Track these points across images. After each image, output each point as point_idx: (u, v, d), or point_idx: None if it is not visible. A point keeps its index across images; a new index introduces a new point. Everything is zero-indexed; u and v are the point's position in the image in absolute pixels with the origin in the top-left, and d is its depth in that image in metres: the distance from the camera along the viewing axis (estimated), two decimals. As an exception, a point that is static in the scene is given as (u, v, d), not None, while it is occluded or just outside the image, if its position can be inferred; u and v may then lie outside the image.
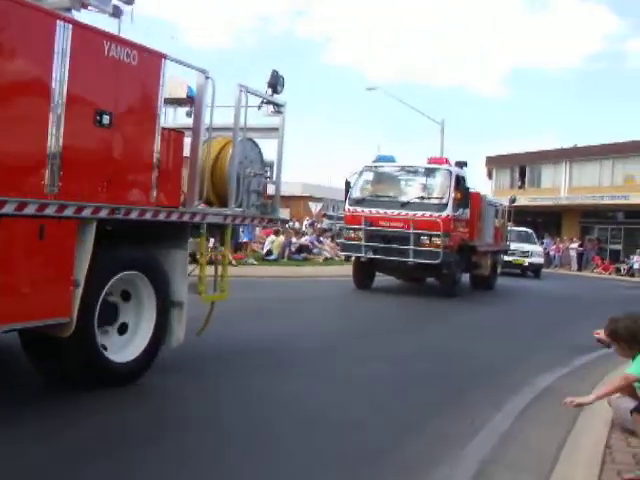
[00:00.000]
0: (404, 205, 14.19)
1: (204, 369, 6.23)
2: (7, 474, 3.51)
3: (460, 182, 14.43)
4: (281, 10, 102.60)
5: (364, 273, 15.33)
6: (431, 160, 15.02)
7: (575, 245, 34.58)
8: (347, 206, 15.11)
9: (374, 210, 14.52)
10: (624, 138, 36.27)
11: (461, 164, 15.52)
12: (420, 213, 13.97)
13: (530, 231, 28.92)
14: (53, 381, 5.19)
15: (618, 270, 32.66)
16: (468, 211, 15.08)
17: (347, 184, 15.37)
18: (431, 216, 13.80)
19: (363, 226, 14.55)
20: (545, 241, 34.49)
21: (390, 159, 15.37)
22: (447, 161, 14.85)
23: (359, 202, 14.85)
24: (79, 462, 3.76)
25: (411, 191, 14.74)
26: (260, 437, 4.52)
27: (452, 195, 14.07)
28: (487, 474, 4.10)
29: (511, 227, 29.92)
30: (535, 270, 26.06)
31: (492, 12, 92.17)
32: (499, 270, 18.58)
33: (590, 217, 39.11)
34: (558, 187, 40.51)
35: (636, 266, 31.60)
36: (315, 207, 36.30)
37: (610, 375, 6.42)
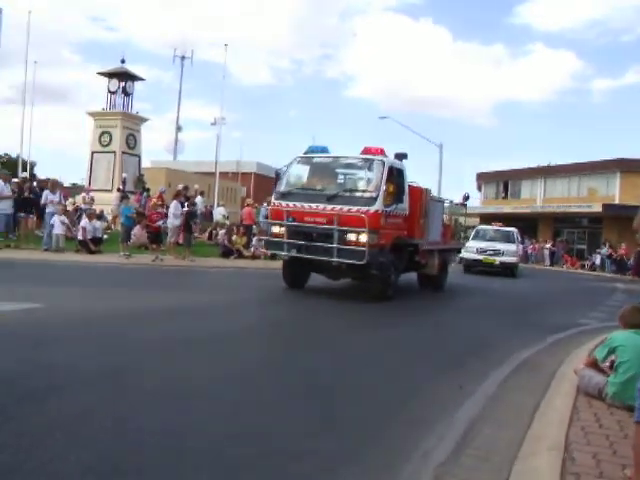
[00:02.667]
0: (330, 199, 12.15)
1: None
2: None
3: (394, 174, 12.39)
4: (312, 55, 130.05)
5: (294, 271, 13.35)
6: (366, 150, 12.99)
7: (548, 245, 39.79)
8: (272, 200, 13.11)
9: (299, 204, 12.51)
10: (588, 158, 44.39)
11: (401, 156, 13.47)
12: (346, 208, 11.97)
13: (513, 230, 26.91)
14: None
15: (583, 266, 38.20)
16: (406, 206, 13.08)
17: (277, 175, 13.39)
18: (358, 211, 11.79)
19: (285, 221, 12.59)
20: (525, 242, 37.40)
21: (323, 150, 13.32)
22: (383, 152, 12.81)
23: (285, 195, 12.84)
24: None
25: (340, 184, 12.73)
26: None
27: (383, 188, 12.05)
28: (475, 430, 4.73)
29: (486, 226, 28.26)
30: (507, 269, 23.93)
31: (483, 57, 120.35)
32: (451, 268, 16.48)
33: (561, 222, 45.51)
34: (535, 198, 48.31)
35: (597, 262, 37.23)
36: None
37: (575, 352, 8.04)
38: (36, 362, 5.51)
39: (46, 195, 17.49)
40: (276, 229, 12.76)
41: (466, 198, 16.77)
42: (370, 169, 12.58)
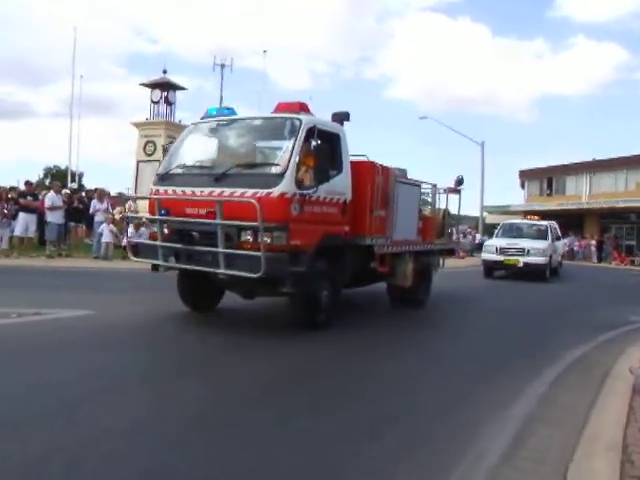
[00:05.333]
0: (219, 179, 7.69)
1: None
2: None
3: (319, 140, 7.76)
4: (351, 58, 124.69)
5: (194, 287, 8.88)
6: (280, 107, 8.40)
7: (594, 242, 36.17)
8: (151, 186, 8.67)
9: (179, 190, 8.08)
10: (635, 152, 39.56)
11: (339, 116, 8.82)
12: (239, 191, 7.46)
13: (547, 224, 21.52)
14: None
15: (632, 262, 34.62)
16: (345, 188, 8.43)
17: (164, 152, 8.98)
18: (253, 195, 7.25)
19: (157, 216, 8.16)
20: (569, 238, 33.80)
21: (230, 113, 8.78)
22: (304, 108, 8.19)
23: (164, 178, 8.41)
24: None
25: (236, 157, 8.16)
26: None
27: (296, 160, 7.47)
28: (529, 430, 4.57)
29: (516, 221, 23.02)
30: (534, 272, 18.66)
31: (523, 52, 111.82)
32: (435, 277, 11.56)
33: (608, 218, 41.13)
34: (580, 194, 44.89)
35: (647, 258, 33.85)
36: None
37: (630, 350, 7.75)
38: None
39: (94, 204, 17.49)
40: (154, 227, 8.37)
41: (459, 182, 11.90)
42: (279, 134, 8.00)
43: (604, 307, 13.44)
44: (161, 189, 8.27)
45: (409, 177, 10.67)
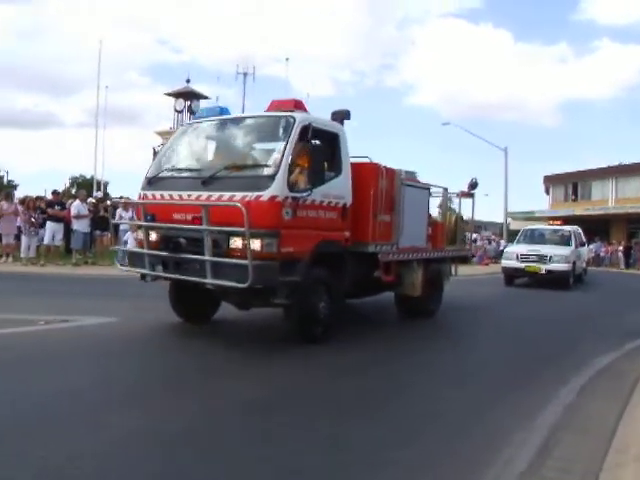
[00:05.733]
0: (207, 182, 7.13)
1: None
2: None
3: (309, 137, 7.11)
4: (372, 65, 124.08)
5: (187, 297, 8.31)
6: (273, 105, 7.81)
7: (621, 247, 34.89)
8: (140, 190, 8.14)
9: (166, 194, 7.54)
10: None
11: (339, 115, 8.21)
12: (227, 194, 6.89)
13: (570, 230, 20.54)
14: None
15: None
16: (345, 191, 7.81)
17: (154, 155, 8.44)
18: (242, 199, 6.68)
19: (143, 222, 7.63)
20: (594, 244, 32.96)
21: (223, 112, 8.23)
22: (299, 105, 7.59)
23: (152, 183, 7.87)
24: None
25: (226, 159, 7.56)
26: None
27: (289, 160, 6.87)
28: (556, 438, 4.44)
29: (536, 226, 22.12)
30: (557, 280, 17.75)
31: (546, 57, 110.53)
32: (446, 286, 10.81)
33: (635, 223, 40.04)
34: (606, 199, 44.00)
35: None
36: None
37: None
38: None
39: (119, 213, 16.62)
40: (140, 234, 7.83)
41: (473, 185, 11.16)
42: (271, 133, 7.42)
43: (631, 314, 12.77)
44: (149, 194, 7.74)
45: (419, 180, 9.99)
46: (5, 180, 55.04)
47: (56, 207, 16.67)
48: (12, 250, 16.82)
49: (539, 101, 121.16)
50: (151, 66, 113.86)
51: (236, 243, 6.78)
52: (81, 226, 16.18)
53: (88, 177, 47.48)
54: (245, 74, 62.10)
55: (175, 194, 7.37)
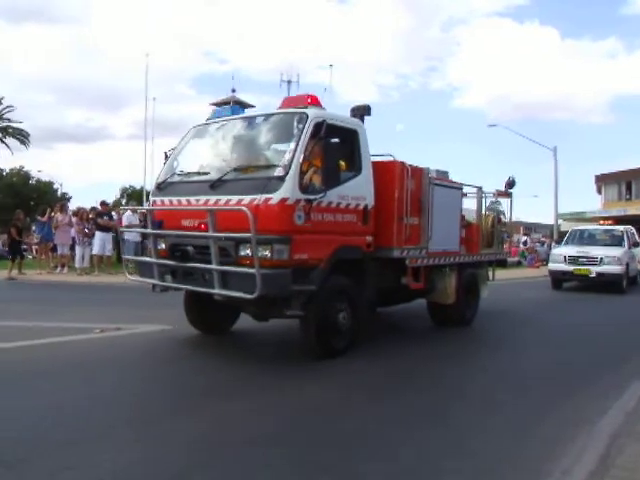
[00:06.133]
0: (215, 186, 6.63)
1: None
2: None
3: (330, 137, 6.54)
4: (417, 68, 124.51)
5: (203, 307, 7.84)
6: (285, 102, 7.26)
7: None
8: (150, 197, 7.70)
9: (175, 200, 7.09)
10: None
11: (359, 110, 7.61)
12: (235, 198, 6.37)
13: (624, 230, 19.07)
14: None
15: None
16: (366, 192, 7.18)
17: (165, 159, 8.00)
18: (251, 202, 6.16)
19: (150, 230, 7.19)
20: None
21: (235, 112, 7.69)
22: (314, 101, 7.01)
23: (161, 188, 7.44)
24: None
25: (235, 160, 7.03)
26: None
27: (300, 160, 6.31)
28: (617, 447, 4.18)
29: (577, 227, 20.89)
30: (609, 283, 16.60)
31: (595, 53, 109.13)
32: (485, 292, 10.06)
33: None
34: None
35: None
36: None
37: None
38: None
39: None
40: (149, 243, 7.40)
41: (510, 184, 10.33)
42: (283, 131, 6.86)
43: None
44: (158, 200, 7.31)
45: (451, 180, 9.27)
46: (59, 192, 56.27)
47: (104, 217, 16.98)
48: (67, 260, 17.43)
49: (588, 98, 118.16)
50: (197, 77, 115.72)
51: (246, 250, 6.25)
52: (132, 235, 16.08)
53: (138, 188, 47.70)
54: (289, 82, 62.12)
55: (184, 199, 6.91)
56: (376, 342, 7.99)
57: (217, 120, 7.54)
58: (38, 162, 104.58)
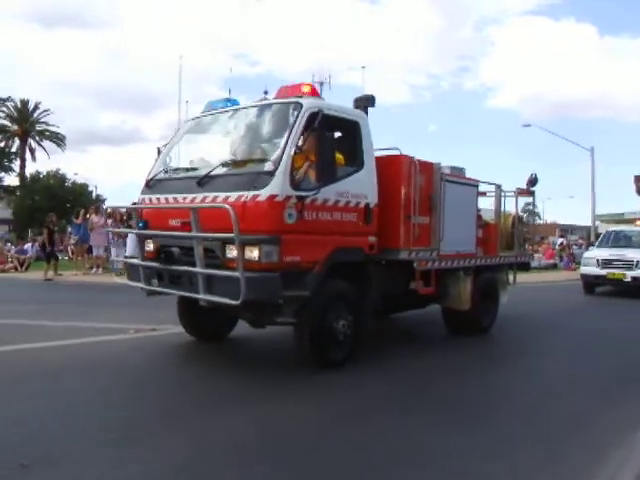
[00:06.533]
0: (203, 183, 6.10)
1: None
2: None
3: (320, 126, 5.87)
4: (449, 68, 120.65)
5: (196, 313, 7.29)
6: (280, 92, 6.67)
7: None
8: (139, 194, 7.20)
9: (162, 198, 6.58)
10: None
11: (363, 101, 6.99)
12: (222, 196, 5.83)
13: None
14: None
15: None
16: (369, 189, 6.55)
17: (158, 154, 7.49)
18: (238, 200, 5.63)
19: (136, 230, 6.70)
20: None
21: (233, 104, 7.17)
22: (312, 90, 6.41)
23: (150, 186, 6.93)
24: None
25: (224, 155, 6.46)
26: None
27: (290, 153, 5.72)
28: None
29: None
30: (646, 287, 15.49)
31: (635, 49, 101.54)
32: (504, 298, 9.29)
33: None
34: None
35: None
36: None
37: None
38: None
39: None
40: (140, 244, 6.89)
41: (532, 182, 9.55)
42: (275, 123, 6.28)
43: None
44: (146, 198, 6.82)
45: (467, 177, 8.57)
46: (94, 194, 56.83)
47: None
48: (102, 262, 17.30)
49: (627, 96, 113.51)
50: (229, 79, 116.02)
51: (233, 252, 5.70)
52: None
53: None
54: (321, 83, 61.96)
55: (171, 197, 6.40)
56: (382, 351, 7.37)
57: (209, 113, 7.00)
58: (73, 165, 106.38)
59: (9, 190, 43.83)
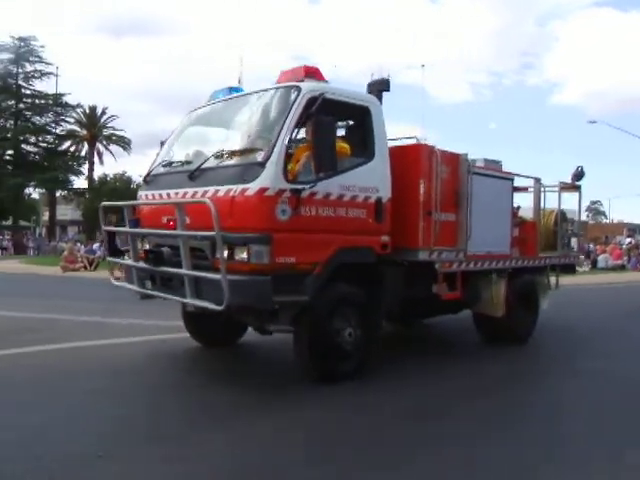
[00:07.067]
0: (194, 177, 5.48)
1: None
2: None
3: (321, 111, 5.13)
4: (511, 66, 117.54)
5: (202, 318, 6.69)
6: (282, 76, 5.94)
7: None
8: (139, 192, 6.63)
9: (157, 194, 6.00)
10: None
11: (378, 85, 6.19)
12: (211, 190, 5.20)
13: None
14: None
15: None
16: (382, 182, 5.76)
17: (161, 148, 6.91)
18: (227, 194, 5.00)
19: (128, 229, 6.12)
20: None
21: (237, 93, 6.49)
22: (313, 73, 5.65)
23: (148, 182, 6.37)
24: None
25: (218, 146, 5.79)
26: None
27: (284, 142, 5.02)
28: None
29: None
30: None
31: None
32: (545, 303, 8.23)
33: None
34: None
35: None
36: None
37: None
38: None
39: None
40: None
41: (578, 175, 8.44)
42: (272, 110, 5.55)
43: None
44: (143, 194, 6.27)
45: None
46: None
47: None
48: None
49: None
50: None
51: (223, 252, 5.05)
52: None
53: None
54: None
55: (164, 193, 5.82)
56: (402, 362, 6.56)
57: (209, 104, 6.38)
58: (138, 167, 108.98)
59: (79, 192, 44.89)
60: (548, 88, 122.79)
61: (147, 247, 5.99)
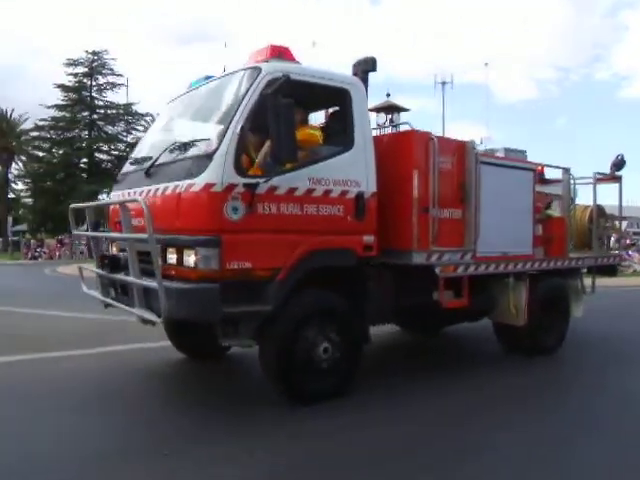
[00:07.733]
0: (149, 173, 4.82)
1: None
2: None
3: (273, 93, 4.22)
4: (578, 60, 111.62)
5: (186, 329, 6.02)
6: (250, 59, 5.16)
7: None
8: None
9: (120, 193, 5.39)
10: None
11: (364, 65, 5.32)
12: (162, 187, 4.54)
13: None
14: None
15: None
16: (366, 174, 4.90)
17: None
18: (174, 191, 4.33)
19: (89, 232, 5.54)
20: None
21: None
22: (280, 52, 4.86)
23: (119, 181, 5.76)
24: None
25: (174, 139, 5.05)
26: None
27: (235, 130, 4.25)
28: None
29: None
30: None
31: None
32: (578, 310, 7.01)
33: None
34: None
35: None
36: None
37: None
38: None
39: None
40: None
41: (618, 165, 7.15)
42: (230, 96, 4.78)
43: None
44: (113, 195, 5.68)
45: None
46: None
47: None
48: None
49: None
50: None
51: (171, 257, 4.39)
52: None
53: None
54: (444, 83, 59.24)
55: (126, 192, 5.20)
56: (414, 380, 5.65)
57: (182, 94, 5.71)
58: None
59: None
60: (617, 82, 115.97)
61: (113, 251, 5.42)
